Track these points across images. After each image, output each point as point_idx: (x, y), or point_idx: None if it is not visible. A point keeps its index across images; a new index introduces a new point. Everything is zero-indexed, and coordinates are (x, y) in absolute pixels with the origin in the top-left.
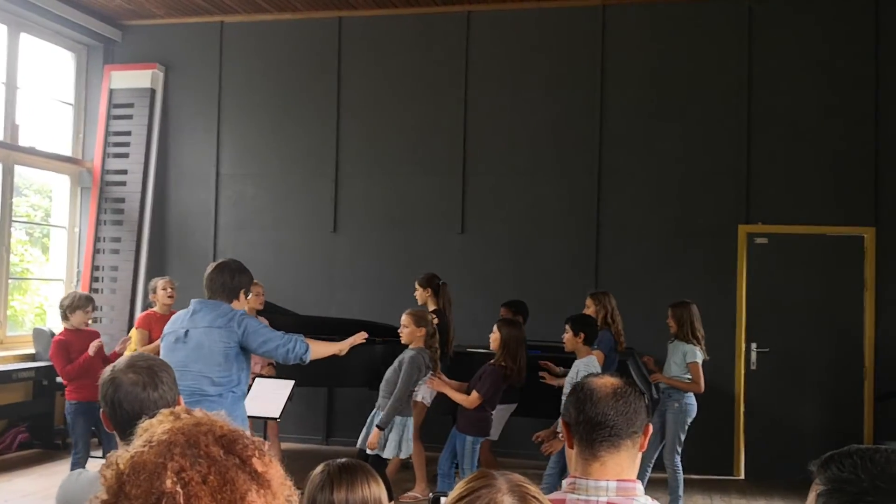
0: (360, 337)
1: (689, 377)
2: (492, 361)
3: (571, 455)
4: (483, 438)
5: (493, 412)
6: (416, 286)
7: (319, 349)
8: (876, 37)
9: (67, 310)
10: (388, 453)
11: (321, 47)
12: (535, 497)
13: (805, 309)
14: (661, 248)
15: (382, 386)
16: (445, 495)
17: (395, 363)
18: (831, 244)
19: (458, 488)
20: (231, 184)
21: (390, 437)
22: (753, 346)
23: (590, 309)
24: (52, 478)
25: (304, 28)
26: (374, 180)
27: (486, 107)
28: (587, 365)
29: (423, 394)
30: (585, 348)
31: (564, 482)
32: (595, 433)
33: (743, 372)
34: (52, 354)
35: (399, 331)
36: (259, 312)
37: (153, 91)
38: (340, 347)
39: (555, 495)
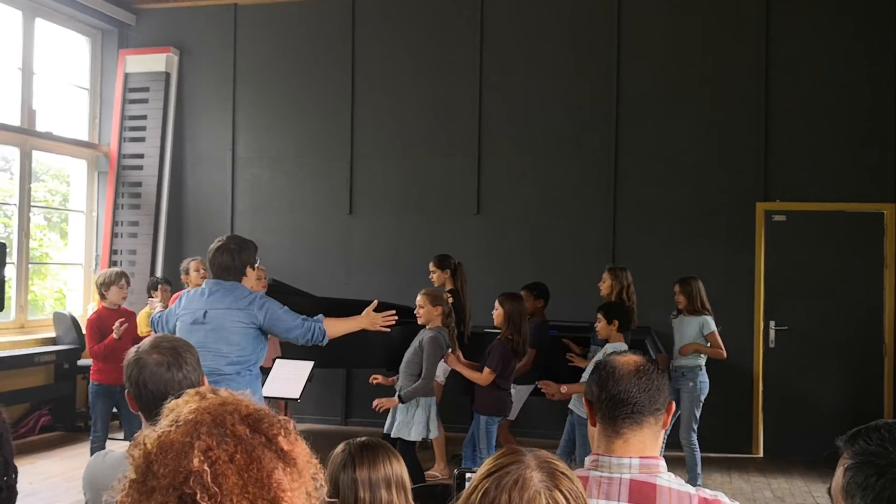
0: (374, 307)
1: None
2: (498, 337)
3: (594, 433)
4: (500, 419)
5: (513, 392)
6: (432, 268)
7: (340, 328)
8: None
9: (102, 287)
10: (414, 435)
11: (335, 29)
12: (563, 473)
13: (824, 286)
14: (679, 226)
15: (403, 367)
16: (472, 471)
17: (416, 343)
18: (850, 221)
19: (487, 464)
20: (247, 167)
21: (416, 419)
22: (772, 324)
23: (606, 283)
24: (74, 460)
25: (317, 9)
26: (389, 162)
27: (502, 87)
28: (616, 350)
29: (437, 372)
30: (619, 335)
31: (587, 459)
32: (618, 410)
33: (762, 350)
34: (86, 331)
35: (415, 311)
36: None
37: (168, 75)
38: (360, 323)
39: (577, 472)
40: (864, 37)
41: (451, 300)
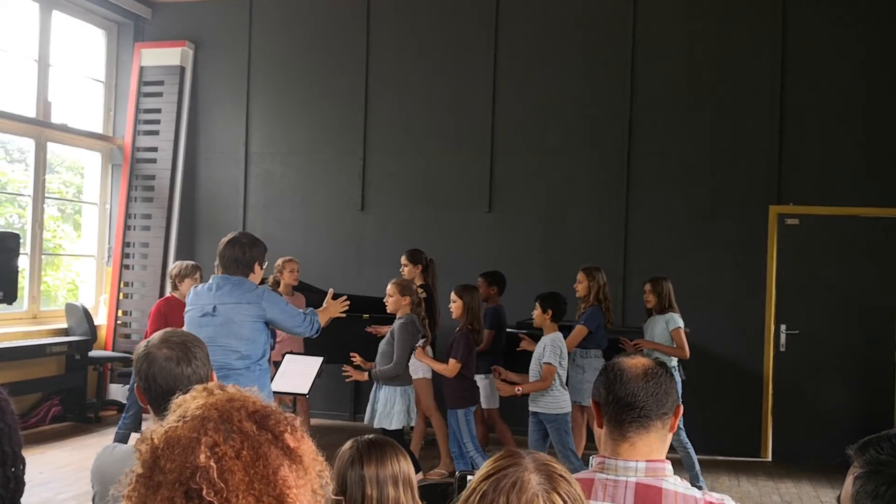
0: (331, 296)
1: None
2: (459, 328)
3: (600, 434)
4: (474, 408)
5: (487, 380)
6: (404, 261)
7: (322, 319)
8: None
9: (176, 279)
10: (395, 424)
11: (349, 24)
12: (561, 476)
13: (836, 291)
14: (691, 227)
15: (378, 358)
16: (472, 474)
17: (388, 335)
18: (863, 225)
19: (486, 467)
20: (260, 161)
21: (396, 409)
22: (783, 327)
23: (583, 284)
24: (84, 450)
25: (332, 5)
26: (402, 158)
27: (515, 84)
28: (553, 341)
29: (423, 371)
30: (552, 325)
31: (593, 460)
32: (625, 414)
33: (772, 353)
34: (151, 316)
35: (384, 300)
36: (294, 289)
37: (183, 69)
38: (329, 313)
39: (583, 474)
40: (881, 39)
41: (423, 295)
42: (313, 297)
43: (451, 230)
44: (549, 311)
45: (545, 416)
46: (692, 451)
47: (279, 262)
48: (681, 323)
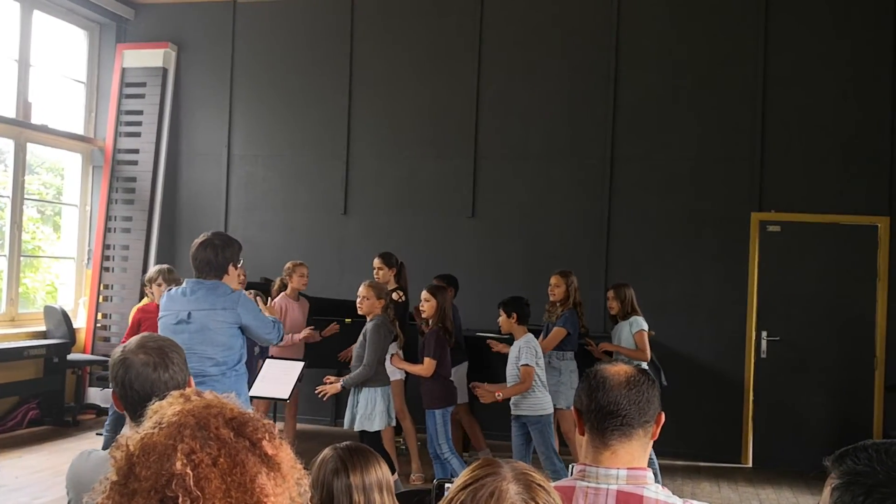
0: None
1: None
2: (430, 327)
3: (582, 441)
4: (452, 408)
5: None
6: (379, 264)
7: None
8: (894, 22)
9: (153, 283)
10: (377, 426)
11: (333, 28)
12: (539, 485)
13: (817, 298)
14: (673, 234)
15: (353, 364)
16: (451, 481)
17: (360, 338)
18: (845, 233)
19: (463, 476)
20: (242, 164)
21: (377, 410)
22: (764, 334)
23: (560, 288)
24: (62, 455)
25: (316, 8)
26: (385, 163)
27: (499, 91)
28: (526, 342)
29: (397, 373)
30: (521, 328)
31: (574, 468)
32: (607, 422)
33: (753, 360)
34: (132, 321)
35: (358, 303)
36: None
37: (165, 70)
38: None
39: (564, 482)
40: (860, 49)
41: (402, 298)
42: (315, 303)
43: (434, 235)
44: (514, 315)
45: (528, 418)
46: (654, 456)
47: (289, 265)
48: (644, 326)
